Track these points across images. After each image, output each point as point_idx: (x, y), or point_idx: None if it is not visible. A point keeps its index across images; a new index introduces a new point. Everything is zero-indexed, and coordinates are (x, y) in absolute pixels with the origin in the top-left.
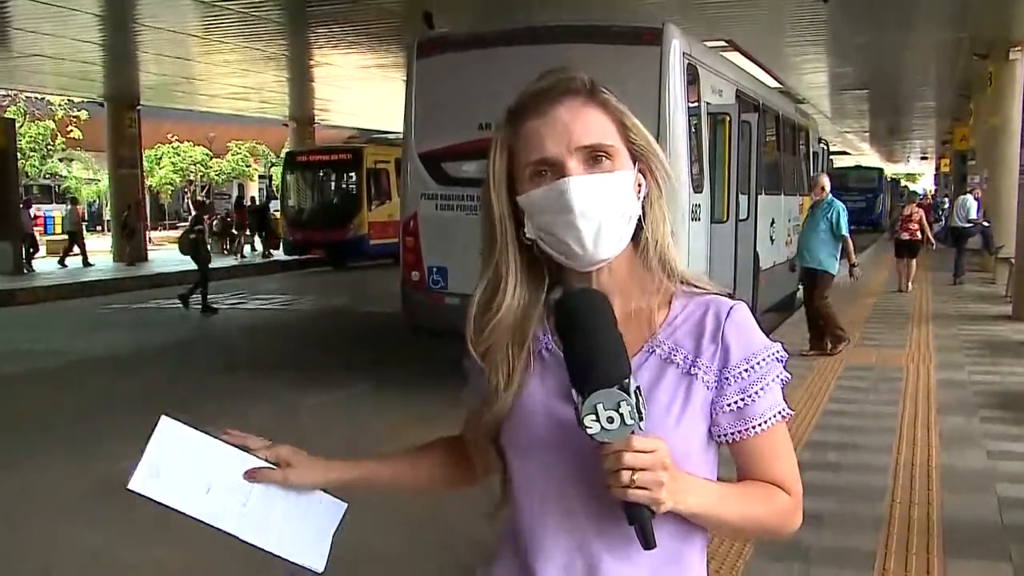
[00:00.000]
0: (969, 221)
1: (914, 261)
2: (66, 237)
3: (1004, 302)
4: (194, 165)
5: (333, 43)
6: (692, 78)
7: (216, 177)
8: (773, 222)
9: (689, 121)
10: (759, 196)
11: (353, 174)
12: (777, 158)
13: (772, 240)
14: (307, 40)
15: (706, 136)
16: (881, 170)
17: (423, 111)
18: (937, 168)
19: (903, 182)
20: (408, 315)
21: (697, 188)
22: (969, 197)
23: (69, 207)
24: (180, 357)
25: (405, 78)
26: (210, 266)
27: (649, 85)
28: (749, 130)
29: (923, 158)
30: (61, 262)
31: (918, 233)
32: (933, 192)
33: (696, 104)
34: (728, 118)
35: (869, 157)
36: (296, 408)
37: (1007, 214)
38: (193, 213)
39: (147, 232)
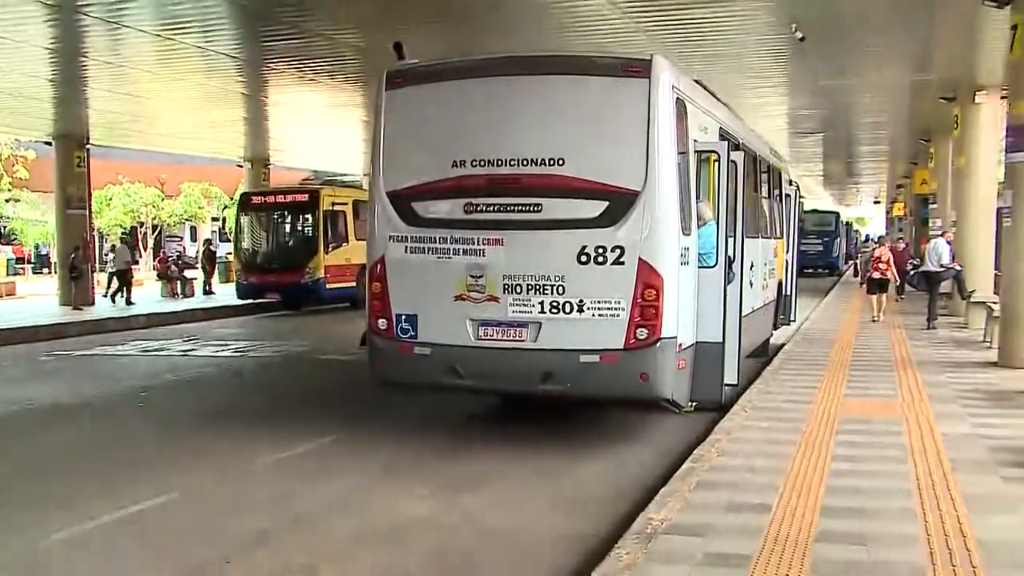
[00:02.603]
0: (942, 265)
1: (884, 295)
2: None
3: (984, 347)
4: (145, 206)
5: (291, 80)
6: (680, 113)
7: (168, 219)
8: (752, 266)
9: (678, 160)
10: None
11: (309, 216)
12: (755, 200)
13: (751, 284)
14: (264, 77)
15: (693, 175)
16: (838, 214)
17: (392, 147)
18: (888, 212)
19: (855, 226)
20: (375, 366)
21: (686, 230)
22: (941, 240)
23: (119, 246)
24: (123, 411)
25: (371, 114)
26: None
27: (636, 120)
28: (735, 170)
29: (876, 202)
30: (113, 298)
31: (887, 272)
32: (883, 235)
33: (684, 141)
34: (715, 157)
35: (823, 200)
36: (251, 466)
37: (975, 257)
38: None
39: (94, 275)
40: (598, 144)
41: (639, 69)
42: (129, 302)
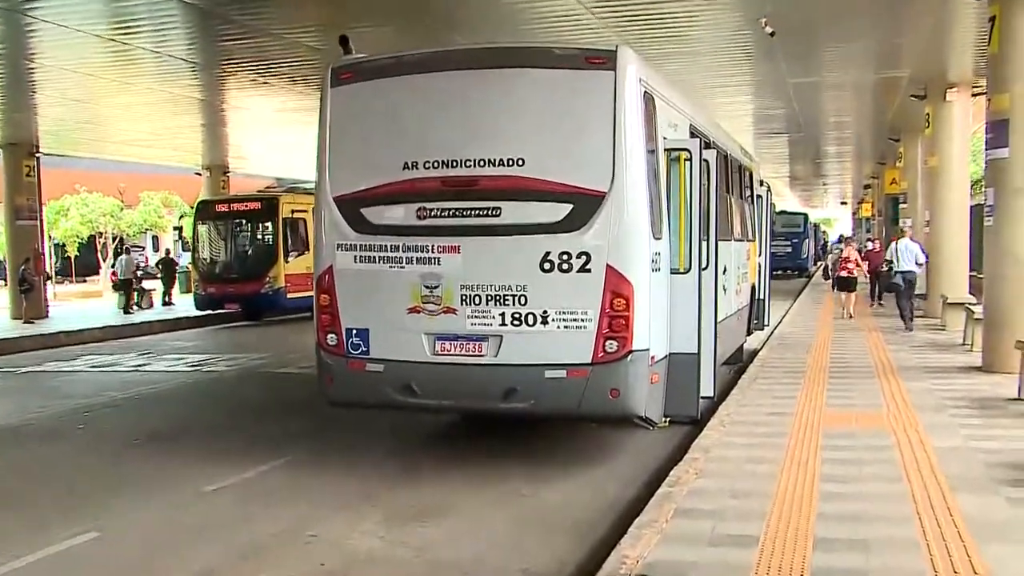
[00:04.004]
0: (919, 264)
1: (853, 294)
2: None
3: (964, 351)
4: (103, 216)
5: (247, 84)
6: (649, 109)
7: (127, 229)
8: (725, 270)
9: (647, 158)
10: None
11: (269, 224)
12: (727, 201)
13: (725, 290)
14: (219, 81)
15: (663, 175)
16: (806, 215)
17: (339, 148)
18: (855, 212)
19: (821, 227)
20: (325, 385)
21: (657, 234)
22: (907, 239)
23: (125, 256)
24: (67, 432)
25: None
26: None
27: (601, 116)
28: (708, 170)
29: (842, 203)
30: (127, 310)
31: (855, 271)
32: (849, 236)
33: (653, 138)
34: (686, 155)
35: (790, 202)
36: (197, 494)
37: (949, 256)
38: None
39: (47, 287)
40: (561, 142)
41: (603, 61)
42: (141, 307)
